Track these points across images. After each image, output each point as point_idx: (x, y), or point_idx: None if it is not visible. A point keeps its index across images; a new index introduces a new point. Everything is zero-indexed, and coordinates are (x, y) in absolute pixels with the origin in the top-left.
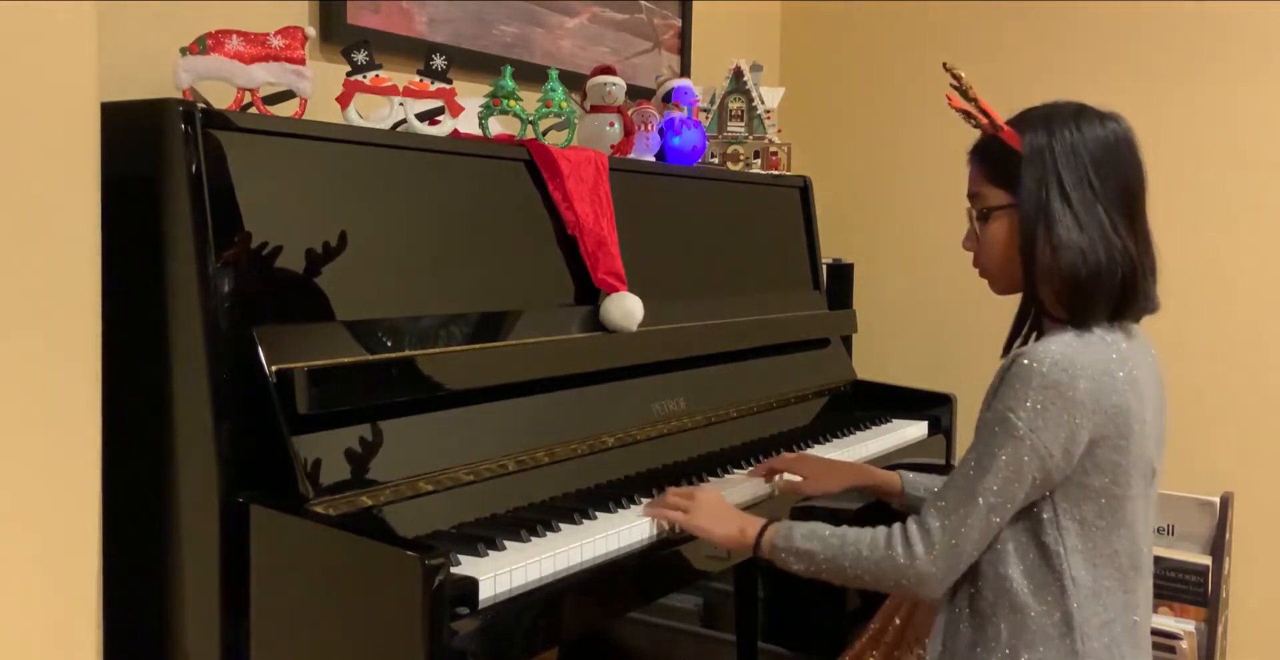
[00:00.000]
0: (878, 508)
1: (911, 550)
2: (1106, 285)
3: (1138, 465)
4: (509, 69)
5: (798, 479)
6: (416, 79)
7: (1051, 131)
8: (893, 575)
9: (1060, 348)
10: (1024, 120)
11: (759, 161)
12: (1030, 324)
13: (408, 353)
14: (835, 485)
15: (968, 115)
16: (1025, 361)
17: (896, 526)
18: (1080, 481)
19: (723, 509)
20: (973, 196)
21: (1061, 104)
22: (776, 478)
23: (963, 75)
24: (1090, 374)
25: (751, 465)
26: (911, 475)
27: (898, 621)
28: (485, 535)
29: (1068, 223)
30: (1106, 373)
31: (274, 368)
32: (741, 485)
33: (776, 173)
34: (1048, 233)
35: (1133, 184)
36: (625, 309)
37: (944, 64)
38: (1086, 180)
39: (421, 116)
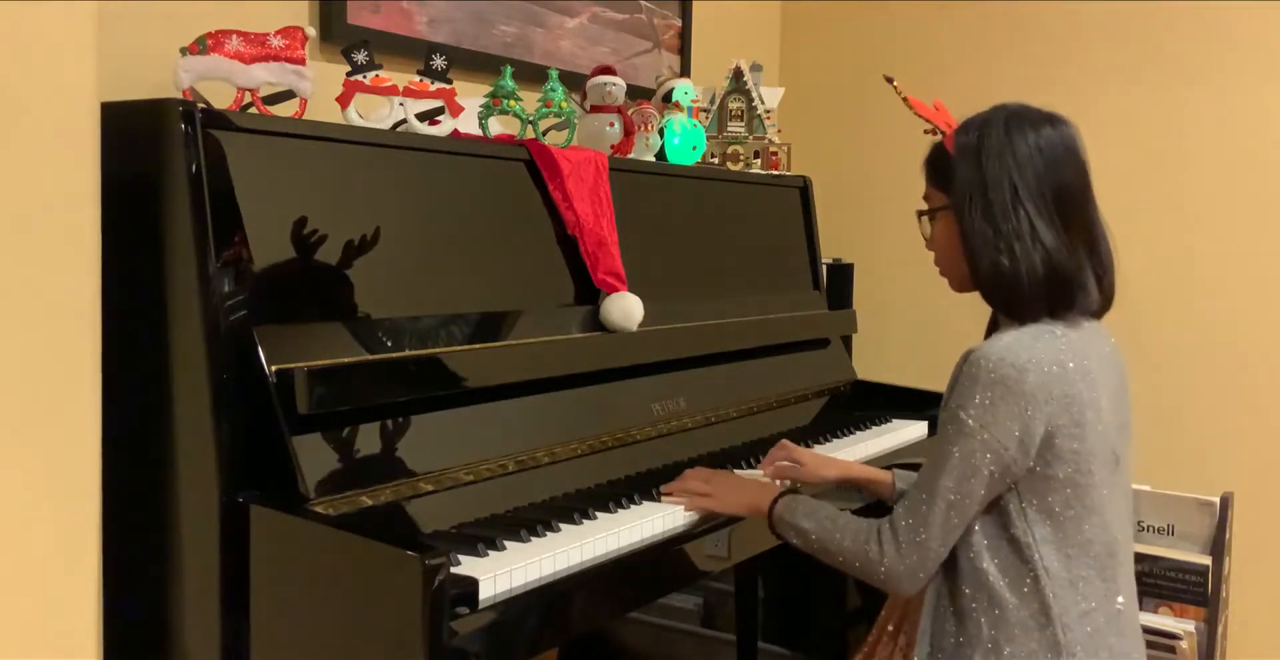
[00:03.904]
0: (878, 508)
1: (882, 547)
2: (1028, 282)
3: (1097, 452)
4: (509, 69)
5: (792, 464)
6: (416, 79)
7: (982, 133)
8: (866, 569)
9: (1009, 342)
10: (963, 124)
11: (759, 161)
12: (990, 321)
13: (408, 353)
14: (830, 472)
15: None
16: (974, 358)
17: (876, 522)
18: (1043, 473)
19: (742, 484)
20: (925, 199)
21: (1001, 106)
22: (778, 482)
23: (897, 83)
24: (1039, 366)
25: (751, 466)
26: (904, 473)
27: (890, 628)
28: (485, 535)
29: (986, 221)
30: (1056, 363)
31: (274, 368)
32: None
33: (776, 173)
34: (972, 230)
35: (1070, 185)
36: (625, 309)
37: (884, 76)
38: (1009, 180)
39: (421, 116)
